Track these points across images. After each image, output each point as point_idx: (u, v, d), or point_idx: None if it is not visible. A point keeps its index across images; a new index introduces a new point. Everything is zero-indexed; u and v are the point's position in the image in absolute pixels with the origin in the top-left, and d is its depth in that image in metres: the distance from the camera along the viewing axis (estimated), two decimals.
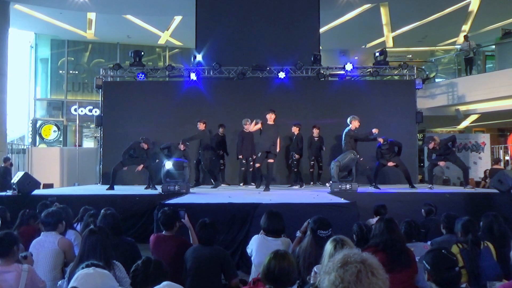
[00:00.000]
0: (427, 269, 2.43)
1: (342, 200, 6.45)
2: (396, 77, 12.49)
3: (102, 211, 4.42)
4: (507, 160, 14.73)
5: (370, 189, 8.58)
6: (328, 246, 2.74)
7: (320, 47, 12.39)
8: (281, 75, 11.22)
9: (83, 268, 2.34)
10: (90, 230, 3.29)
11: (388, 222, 3.54)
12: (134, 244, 4.03)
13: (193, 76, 11.23)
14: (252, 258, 4.02)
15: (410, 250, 3.53)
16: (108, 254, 3.14)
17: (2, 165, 11.47)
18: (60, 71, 19.10)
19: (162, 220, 4.31)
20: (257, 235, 4.08)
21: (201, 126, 9.80)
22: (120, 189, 9.06)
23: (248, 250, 4.11)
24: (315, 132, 10.27)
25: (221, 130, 10.37)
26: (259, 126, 8.83)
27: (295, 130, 9.94)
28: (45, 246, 3.79)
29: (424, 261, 2.48)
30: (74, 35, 18.00)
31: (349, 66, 11.43)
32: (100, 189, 9.62)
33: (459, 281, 2.45)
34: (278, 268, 2.57)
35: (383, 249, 3.29)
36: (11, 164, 11.80)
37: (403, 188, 8.93)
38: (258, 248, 3.90)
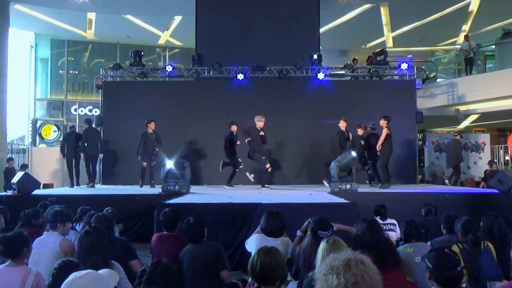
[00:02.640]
0: (428, 267, 2.43)
1: (342, 200, 6.45)
2: (396, 77, 12.48)
3: (109, 209, 4.43)
4: (507, 160, 14.72)
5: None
6: (321, 245, 2.75)
7: (320, 47, 12.39)
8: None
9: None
10: (86, 231, 3.28)
11: (371, 223, 3.53)
12: (125, 240, 4.04)
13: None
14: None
15: (396, 250, 3.53)
16: (105, 254, 3.13)
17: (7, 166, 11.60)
18: (60, 71, 19.09)
19: (163, 222, 4.31)
20: (257, 235, 4.07)
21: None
22: (120, 189, 9.07)
23: (247, 246, 4.09)
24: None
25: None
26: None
27: (359, 131, 9.53)
28: (46, 246, 3.77)
29: (426, 260, 2.47)
30: (74, 35, 17.99)
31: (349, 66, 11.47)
32: (100, 189, 9.63)
33: (461, 280, 2.45)
34: (260, 264, 2.50)
35: (368, 251, 3.27)
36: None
37: (403, 188, 8.95)
38: (258, 248, 3.88)
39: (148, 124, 9.58)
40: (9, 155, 13.45)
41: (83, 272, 2.07)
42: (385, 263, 3.13)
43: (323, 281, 1.49)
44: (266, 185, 9.57)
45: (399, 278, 3.24)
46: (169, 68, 11.54)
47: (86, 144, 9.78)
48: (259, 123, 9.34)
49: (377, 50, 12.53)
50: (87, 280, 1.99)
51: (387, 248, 3.34)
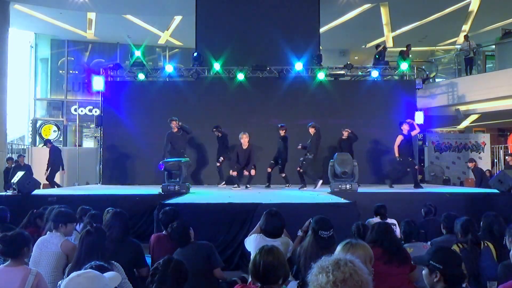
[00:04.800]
0: (438, 269, 2.36)
1: (342, 200, 6.45)
2: (396, 77, 12.48)
3: (109, 209, 4.41)
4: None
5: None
6: (338, 248, 2.66)
7: (320, 47, 12.39)
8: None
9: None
10: (87, 231, 3.27)
11: (386, 226, 3.62)
12: (139, 246, 4.01)
13: (168, 68, 11.44)
14: (251, 258, 4.00)
15: (405, 249, 3.59)
16: (105, 255, 3.12)
17: (7, 165, 11.62)
18: (60, 71, 19.09)
19: (163, 221, 4.31)
20: (255, 235, 4.06)
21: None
22: (120, 189, 9.08)
23: (247, 246, 4.09)
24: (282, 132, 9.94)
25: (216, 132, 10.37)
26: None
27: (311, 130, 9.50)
28: (48, 247, 3.76)
29: (432, 262, 2.41)
30: (74, 35, 17.99)
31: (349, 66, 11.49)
32: (100, 189, 9.63)
33: (465, 280, 2.45)
34: (263, 263, 2.50)
35: (380, 246, 3.40)
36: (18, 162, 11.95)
37: (403, 188, 8.95)
38: (256, 249, 3.86)
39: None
40: (9, 155, 13.46)
41: (83, 271, 2.08)
42: (393, 258, 3.33)
43: (314, 281, 1.56)
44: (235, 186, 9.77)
45: (403, 276, 3.33)
46: (169, 68, 11.51)
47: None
48: (243, 140, 9.57)
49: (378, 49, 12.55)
50: (84, 278, 2.00)
51: (399, 247, 3.51)
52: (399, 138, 9.10)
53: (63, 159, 12.02)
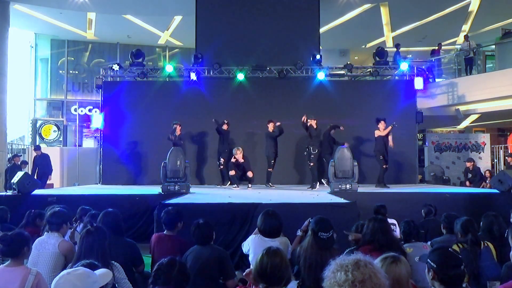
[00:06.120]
0: (432, 267, 2.39)
1: (342, 200, 6.45)
2: (396, 77, 12.47)
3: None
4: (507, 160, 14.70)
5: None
6: (378, 261, 2.45)
7: (320, 47, 12.38)
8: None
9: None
10: (87, 230, 3.27)
11: (381, 222, 3.55)
12: (135, 245, 4.02)
13: (193, 76, 11.23)
14: (250, 259, 4.00)
15: (404, 249, 3.57)
16: (106, 255, 3.12)
17: (8, 165, 11.60)
18: (60, 71, 19.08)
19: (165, 220, 4.31)
20: (254, 235, 4.06)
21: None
22: (120, 189, 9.08)
23: (244, 249, 4.09)
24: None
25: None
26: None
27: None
28: (46, 247, 3.76)
29: (429, 260, 2.44)
30: (74, 35, 17.99)
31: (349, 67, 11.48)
32: (100, 189, 9.63)
33: (464, 279, 2.44)
34: (270, 264, 2.53)
35: (379, 249, 3.29)
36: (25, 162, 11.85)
37: (403, 188, 8.95)
38: (256, 249, 3.86)
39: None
40: (9, 155, 13.46)
41: (72, 268, 2.10)
42: None
43: (331, 278, 1.54)
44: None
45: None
46: (169, 68, 11.47)
47: (36, 171, 10.85)
48: (238, 155, 9.58)
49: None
50: (73, 276, 2.02)
51: (399, 247, 3.44)
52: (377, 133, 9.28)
53: (64, 159, 12.03)
